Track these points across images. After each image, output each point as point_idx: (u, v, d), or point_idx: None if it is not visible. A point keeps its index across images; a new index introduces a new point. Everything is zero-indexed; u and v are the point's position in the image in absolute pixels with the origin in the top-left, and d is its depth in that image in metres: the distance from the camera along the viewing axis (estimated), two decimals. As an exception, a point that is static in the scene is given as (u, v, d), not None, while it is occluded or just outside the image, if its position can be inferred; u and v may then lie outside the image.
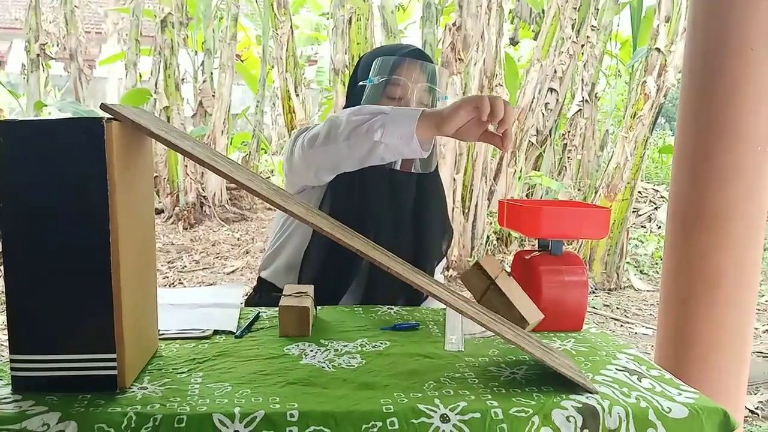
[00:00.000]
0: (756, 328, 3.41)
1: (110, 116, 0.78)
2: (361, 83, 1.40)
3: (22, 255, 0.79)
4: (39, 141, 0.77)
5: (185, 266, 4.70)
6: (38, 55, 6.76)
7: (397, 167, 1.37)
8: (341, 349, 1.02)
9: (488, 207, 4.80)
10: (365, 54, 1.52)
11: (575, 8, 5.15)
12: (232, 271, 4.60)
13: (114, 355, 0.80)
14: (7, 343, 0.80)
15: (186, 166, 5.82)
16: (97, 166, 0.76)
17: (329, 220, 0.95)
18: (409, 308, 1.32)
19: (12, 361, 0.80)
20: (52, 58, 6.96)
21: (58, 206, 0.78)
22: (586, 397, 0.84)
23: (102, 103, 0.79)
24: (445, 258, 1.62)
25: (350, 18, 5.05)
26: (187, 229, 5.65)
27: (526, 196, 5.47)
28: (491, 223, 4.78)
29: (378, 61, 1.38)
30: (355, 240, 0.90)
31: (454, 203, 4.52)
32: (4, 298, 0.79)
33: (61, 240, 0.78)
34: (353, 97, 1.43)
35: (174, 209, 5.79)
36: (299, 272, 1.41)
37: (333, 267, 1.37)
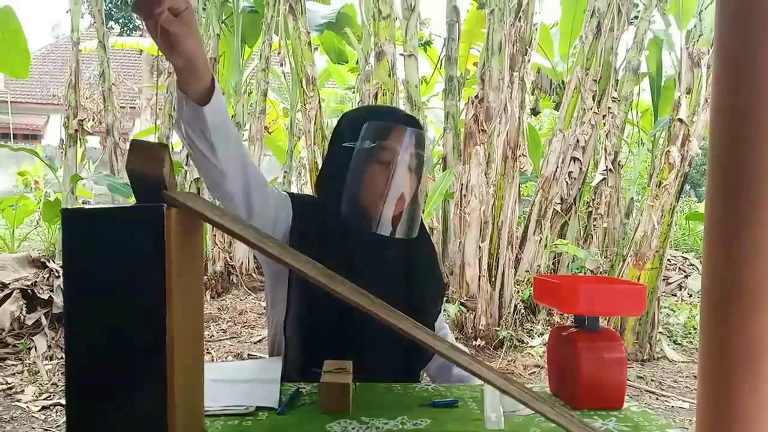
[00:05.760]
0: (798, 402, 3.28)
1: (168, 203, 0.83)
2: (346, 144, 1.40)
3: (83, 340, 0.82)
4: (102, 228, 0.82)
5: (213, 335, 4.71)
6: (76, 130, 7.05)
7: (378, 231, 1.38)
8: (382, 427, 1.02)
9: (515, 275, 4.77)
10: (349, 113, 1.53)
11: (595, 80, 5.27)
12: (259, 341, 4.60)
13: (166, 436, 0.82)
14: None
15: (215, 236, 5.92)
16: (156, 252, 0.81)
17: (372, 298, 0.97)
18: (447, 385, 1.32)
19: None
20: (89, 133, 7.24)
21: (118, 290, 0.81)
22: (634, 480, 0.83)
23: (162, 191, 0.85)
24: (444, 313, 1.63)
25: (376, 93, 5.21)
26: (214, 297, 5.70)
27: (552, 264, 5.44)
28: (518, 292, 4.74)
29: (369, 125, 1.39)
30: (411, 327, 0.93)
31: (480, 272, 4.50)
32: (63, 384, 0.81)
33: (120, 324, 0.81)
34: (336, 156, 1.42)
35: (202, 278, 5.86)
36: (284, 348, 1.39)
37: (313, 341, 1.36)
